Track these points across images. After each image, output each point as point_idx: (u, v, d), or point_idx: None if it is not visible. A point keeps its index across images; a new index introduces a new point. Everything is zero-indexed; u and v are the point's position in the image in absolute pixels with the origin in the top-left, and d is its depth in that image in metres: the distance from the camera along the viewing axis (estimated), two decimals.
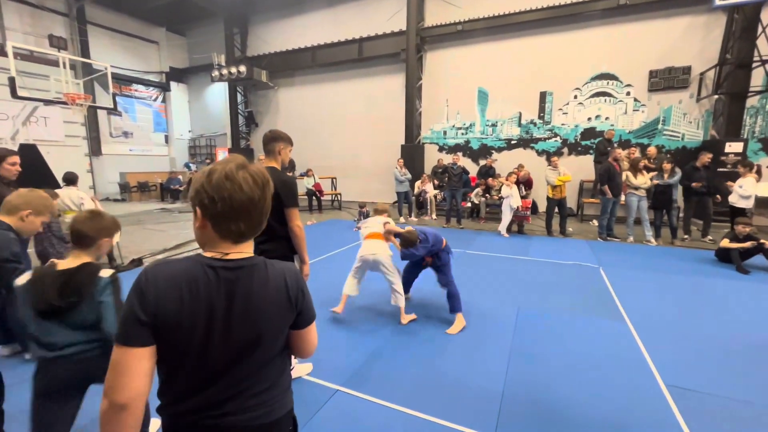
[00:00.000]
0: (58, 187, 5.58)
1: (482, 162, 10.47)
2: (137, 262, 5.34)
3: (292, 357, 2.33)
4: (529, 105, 10.41)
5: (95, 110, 12.81)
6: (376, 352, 2.91)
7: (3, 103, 9.91)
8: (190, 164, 15.68)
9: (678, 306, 3.85)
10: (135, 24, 14.78)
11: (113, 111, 12.84)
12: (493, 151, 10.93)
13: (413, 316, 3.53)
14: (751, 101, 8.20)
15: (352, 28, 12.16)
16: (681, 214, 7.03)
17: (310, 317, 1.06)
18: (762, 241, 5.01)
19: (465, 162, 10.94)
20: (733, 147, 7.87)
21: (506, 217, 7.39)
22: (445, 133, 11.60)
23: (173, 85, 16.33)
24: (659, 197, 6.61)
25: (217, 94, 15.89)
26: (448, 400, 2.33)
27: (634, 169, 6.64)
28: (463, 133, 11.36)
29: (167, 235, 7.47)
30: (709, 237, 6.70)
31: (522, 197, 7.55)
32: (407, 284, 3.79)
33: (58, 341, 1.47)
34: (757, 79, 7.97)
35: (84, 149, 12.81)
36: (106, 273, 1.56)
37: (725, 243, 5.23)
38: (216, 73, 13.14)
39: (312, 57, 12.88)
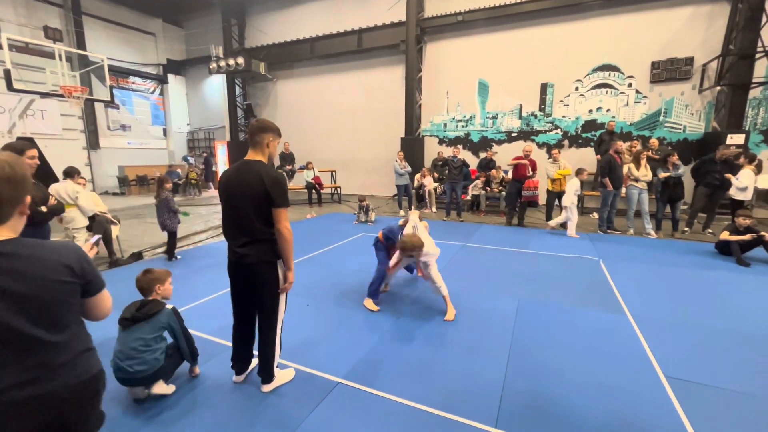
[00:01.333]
0: (57, 180, 5.55)
1: (482, 154, 10.43)
2: (137, 255, 5.34)
3: (275, 366, 2.33)
4: (530, 97, 10.33)
5: (92, 103, 12.71)
6: (377, 345, 2.92)
7: None
8: (189, 157, 15.61)
9: (678, 298, 3.86)
10: (131, 15, 14.59)
11: (111, 104, 12.75)
12: (493, 144, 10.87)
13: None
14: (754, 93, 8.14)
15: (352, 19, 12.01)
16: (683, 207, 7.01)
17: (100, 285, 1.21)
18: (762, 233, 5.02)
19: (465, 154, 10.89)
20: (735, 139, 7.82)
21: (574, 215, 6.63)
22: (445, 125, 11.53)
23: (171, 77, 16.19)
24: (675, 190, 6.48)
25: (216, 86, 15.77)
26: (449, 392, 2.34)
27: (636, 161, 6.61)
28: (463, 126, 11.29)
29: None
30: (710, 230, 6.70)
31: (528, 177, 7.45)
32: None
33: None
34: (760, 70, 7.91)
35: (82, 143, 12.74)
36: (169, 306, 2.35)
37: (725, 235, 5.22)
38: (214, 65, 13.01)
39: (311, 48, 12.75)
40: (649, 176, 6.60)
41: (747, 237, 5.04)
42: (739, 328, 3.18)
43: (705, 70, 8.54)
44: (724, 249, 5.32)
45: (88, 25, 13.13)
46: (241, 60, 12.46)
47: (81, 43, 12.83)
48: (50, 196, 2.88)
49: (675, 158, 6.46)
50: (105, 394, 1.21)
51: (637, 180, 6.58)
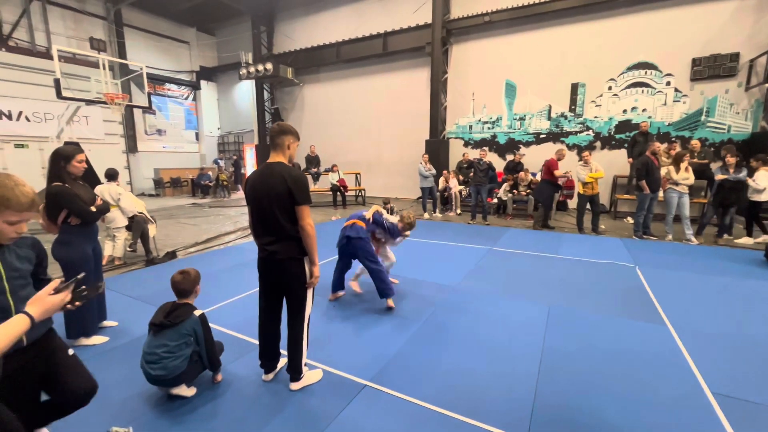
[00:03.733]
0: (100, 183, 5.88)
1: (509, 157, 10.21)
2: (171, 254, 5.57)
3: (303, 364, 2.36)
4: (560, 97, 10.03)
5: (131, 109, 13.42)
6: (405, 347, 2.90)
7: (49, 103, 10.54)
8: (219, 160, 16.18)
9: (722, 309, 3.61)
10: (167, 25, 15.33)
11: (148, 110, 13.39)
12: (520, 146, 10.63)
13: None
14: None
15: (377, 23, 12.10)
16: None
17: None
18: None
19: (491, 157, 10.70)
20: None
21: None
22: (470, 127, 11.38)
23: (203, 83, 16.87)
24: (729, 194, 6.12)
25: (245, 91, 16.28)
26: (478, 400, 2.28)
27: (677, 163, 6.27)
28: (489, 128, 11.11)
29: (199, 229, 7.74)
30: (751, 240, 6.23)
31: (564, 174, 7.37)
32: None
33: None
34: None
35: (122, 147, 13.46)
36: (197, 312, 2.34)
37: None
38: (243, 71, 13.44)
39: (336, 53, 12.94)
40: (691, 180, 6.24)
41: None
42: None
43: (753, 66, 8.01)
44: None
45: (128, 36, 13.91)
46: (269, 66, 12.81)
47: (122, 53, 13.60)
48: (97, 197, 3.04)
49: (732, 159, 6.08)
50: (136, 392, 1.33)
51: (676, 183, 6.24)
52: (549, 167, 7.30)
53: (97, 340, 2.97)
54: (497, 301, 3.82)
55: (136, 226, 5.38)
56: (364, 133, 13.24)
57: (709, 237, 6.46)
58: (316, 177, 11.20)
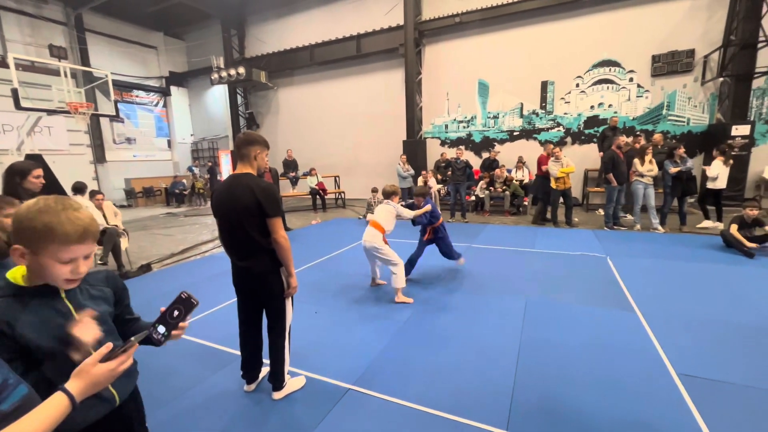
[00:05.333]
0: (66, 196, 5.66)
1: (485, 155, 10.42)
2: (146, 267, 5.40)
3: (286, 373, 2.35)
4: (531, 95, 10.32)
5: (98, 118, 12.89)
6: (387, 350, 2.93)
7: (7, 114, 10.02)
8: (194, 168, 15.77)
9: (687, 293, 3.83)
10: (132, 30, 14.82)
11: (115, 118, 12.90)
12: (495, 143, 10.87)
13: (410, 300, 3.83)
14: (758, 82, 8.07)
15: (350, 25, 12.10)
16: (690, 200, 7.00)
17: None
18: None
19: (467, 155, 10.90)
20: (740, 130, 7.76)
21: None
22: (446, 126, 11.55)
23: (173, 89, 16.39)
24: (688, 184, 6.53)
25: (218, 96, 15.94)
26: (460, 394, 2.34)
27: (641, 156, 6.58)
28: (464, 126, 11.30)
29: (175, 240, 7.54)
30: (712, 223, 6.62)
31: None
32: (412, 262, 4.40)
33: None
34: (763, 59, 7.83)
35: (89, 157, 12.94)
36: None
37: (733, 229, 5.17)
38: (215, 75, 13.16)
39: (310, 55, 12.86)
40: (655, 171, 6.56)
41: (753, 245, 4.98)
42: (750, 321, 3.14)
43: (707, 61, 8.49)
44: (731, 241, 5.26)
45: (91, 42, 13.36)
46: (241, 70, 12.60)
47: (85, 60, 13.05)
48: None
49: (681, 151, 6.44)
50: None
51: (642, 175, 6.54)
52: (538, 163, 7.54)
53: None
54: (477, 297, 3.91)
55: (108, 239, 5.20)
56: (341, 136, 13.21)
57: (674, 226, 6.80)
58: (294, 181, 11.10)
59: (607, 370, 2.55)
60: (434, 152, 11.34)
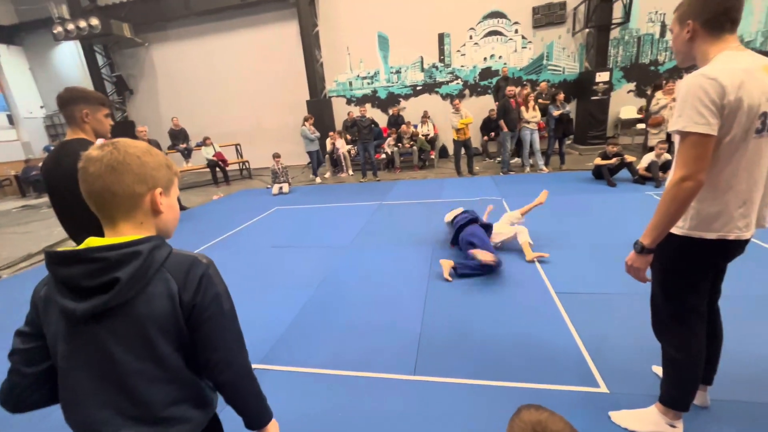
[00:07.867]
0: None
1: (391, 111, 10.38)
2: None
3: None
4: (429, 48, 10.38)
5: None
6: (296, 321, 2.81)
7: None
8: (51, 147, 12.92)
9: (563, 222, 4.39)
10: None
11: None
12: (400, 99, 10.86)
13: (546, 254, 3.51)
14: (615, 33, 9.20)
15: None
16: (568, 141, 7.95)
17: None
18: (625, 156, 5.91)
19: (374, 112, 10.75)
20: (602, 76, 8.88)
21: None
22: (350, 84, 11.13)
23: (2, 48, 12.79)
24: (567, 126, 7.26)
25: (69, 56, 12.91)
26: (370, 352, 2.36)
27: (525, 104, 7.15)
28: (369, 83, 11.02)
29: (36, 237, 6.20)
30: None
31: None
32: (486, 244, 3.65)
33: None
34: (618, 11, 8.88)
35: None
36: None
37: (598, 161, 6.04)
38: (59, 29, 10.51)
39: (185, 3, 10.95)
40: (538, 117, 7.22)
41: (613, 161, 5.89)
42: (610, 240, 3.72)
43: (575, 13, 9.35)
44: (598, 174, 6.16)
45: None
46: (95, 21, 10.25)
47: None
48: None
49: (561, 97, 7.17)
50: None
51: (528, 122, 7.15)
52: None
53: None
54: (386, 254, 3.96)
55: None
56: (237, 99, 11.89)
57: (556, 166, 7.69)
58: (187, 153, 9.81)
59: (502, 300, 2.81)
60: (341, 111, 10.92)
